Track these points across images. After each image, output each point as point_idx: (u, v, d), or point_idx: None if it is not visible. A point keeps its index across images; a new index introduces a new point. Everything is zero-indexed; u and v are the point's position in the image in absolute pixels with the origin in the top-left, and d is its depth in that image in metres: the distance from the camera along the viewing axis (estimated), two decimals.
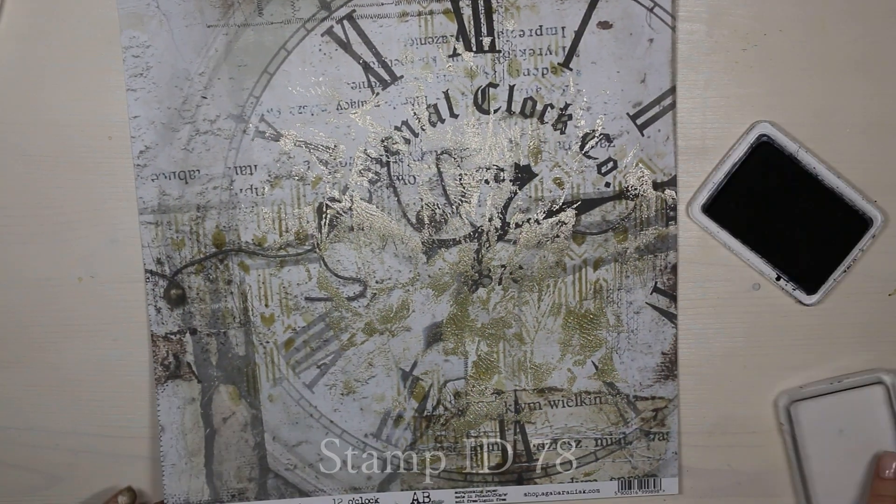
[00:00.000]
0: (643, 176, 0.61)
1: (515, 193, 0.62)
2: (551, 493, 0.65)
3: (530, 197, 0.62)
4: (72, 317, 0.64)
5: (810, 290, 0.62)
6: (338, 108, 0.61)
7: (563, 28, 0.60)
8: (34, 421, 0.65)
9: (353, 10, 0.60)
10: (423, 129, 0.61)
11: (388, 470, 0.65)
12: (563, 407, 0.64)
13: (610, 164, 0.61)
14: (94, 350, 0.64)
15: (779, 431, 0.63)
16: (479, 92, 0.61)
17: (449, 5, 0.59)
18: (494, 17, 0.60)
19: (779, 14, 0.60)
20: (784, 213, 0.61)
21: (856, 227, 0.61)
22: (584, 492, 0.65)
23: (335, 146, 0.61)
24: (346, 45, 0.60)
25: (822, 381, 0.63)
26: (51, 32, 0.61)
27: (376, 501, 0.65)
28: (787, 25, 0.60)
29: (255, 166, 0.61)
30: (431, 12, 0.60)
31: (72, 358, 0.64)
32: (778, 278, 0.62)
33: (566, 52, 0.60)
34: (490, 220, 0.62)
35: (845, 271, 0.61)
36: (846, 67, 0.60)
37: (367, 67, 0.60)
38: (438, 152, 0.61)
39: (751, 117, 0.61)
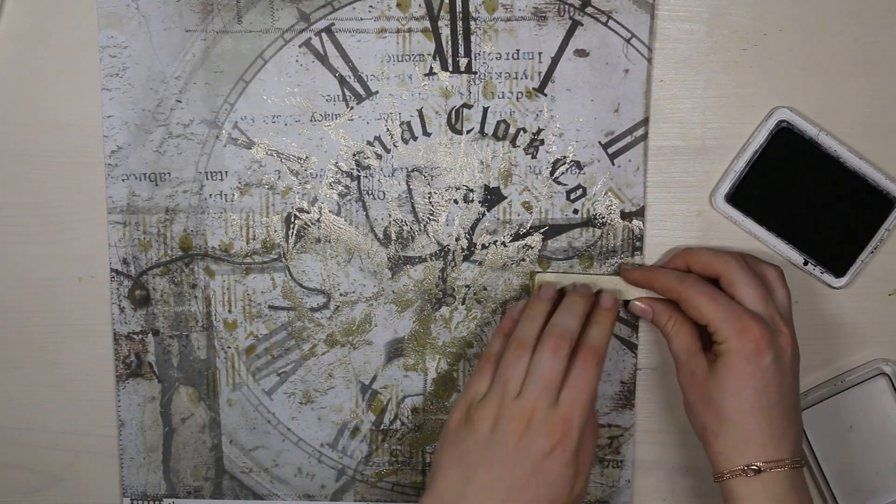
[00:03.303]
0: (611, 205, 0.61)
1: (483, 215, 0.62)
2: None
3: (498, 219, 0.62)
4: (72, 317, 0.64)
5: (838, 273, 0.62)
6: (311, 120, 0.61)
7: (539, 53, 0.60)
8: (34, 421, 0.66)
9: (332, 24, 0.60)
10: (396, 146, 0.61)
11: (343, 480, 0.65)
12: None
13: (579, 192, 0.61)
14: (94, 350, 0.64)
15: None
16: (453, 112, 0.61)
17: (427, 24, 0.60)
18: (472, 38, 0.60)
19: (779, 14, 0.60)
20: (807, 197, 0.61)
21: (881, 207, 0.60)
22: None
23: (307, 157, 0.61)
24: (323, 58, 0.60)
25: (825, 383, 0.63)
26: (50, 32, 0.61)
27: None
28: (787, 25, 0.60)
29: (226, 173, 0.61)
30: (410, 30, 0.60)
31: (72, 358, 0.65)
32: (805, 263, 0.61)
33: (542, 78, 0.60)
34: (457, 239, 0.62)
35: (872, 252, 0.61)
36: (846, 67, 0.60)
37: (342, 81, 0.60)
38: (409, 169, 0.61)
39: (751, 117, 0.61)
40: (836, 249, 0.61)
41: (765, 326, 0.54)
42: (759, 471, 0.53)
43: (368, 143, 0.61)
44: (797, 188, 0.60)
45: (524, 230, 0.62)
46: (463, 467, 0.54)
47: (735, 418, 0.54)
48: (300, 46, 0.60)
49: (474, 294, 0.63)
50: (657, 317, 0.59)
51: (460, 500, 0.53)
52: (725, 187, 0.61)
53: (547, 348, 0.54)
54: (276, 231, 0.62)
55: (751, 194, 0.61)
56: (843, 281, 0.62)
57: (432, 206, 0.62)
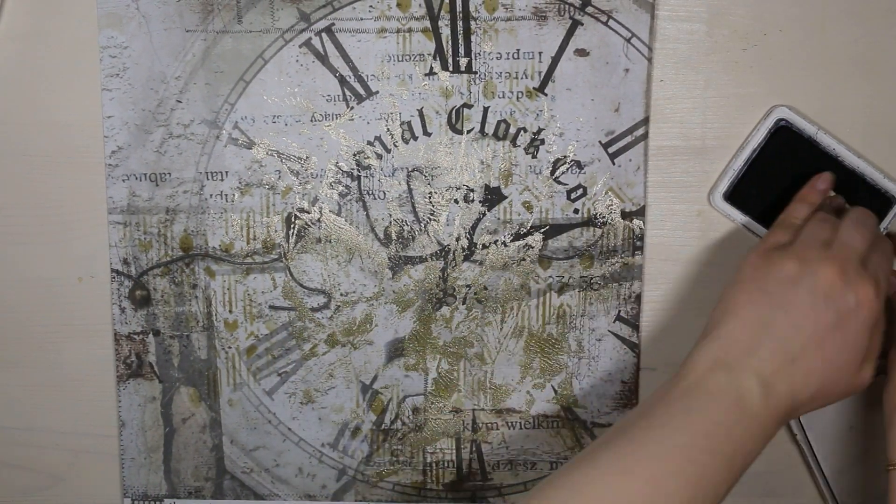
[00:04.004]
0: (612, 204, 0.61)
1: (484, 214, 0.62)
2: None
3: (499, 219, 0.62)
4: (72, 317, 0.64)
5: None
6: (312, 120, 0.61)
7: (540, 53, 0.60)
8: (34, 421, 0.66)
9: (333, 24, 0.60)
10: (396, 146, 0.61)
11: (344, 480, 0.65)
12: (521, 429, 0.64)
13: (580, 191, 0.61)
14: (94, 350, 0.64)
15: (792, 441, 0.63)
16: (454, 112, 0.61)
17: (428, 24, 0.60)
18: (472, 38, 0.60)
19: (779, 14, 0.60)
20: None
21: (879, 205, 0.60)
22: None
23: (307, 157, 0.61)
24: (323, 58, 0.60)
25: None
26: (50, 32, 0.61)
27: None
28: (787, 25, 0.60)
29: (227, 173, 0.61)
30: (410, 30, 0.60)
31: (72, 358, 0.65)
32: None
33: (542, 77, 0.60)
34: (457, 239, 0.62)
35: None
36: (846, 68, 0.60)
37: (343, 81, 0.60)
38: (409, 169, 0.61)
39: (751, 117, 0.61)
40: None
41: None
42: None
43: (369, 142, 0.61)
44: (796, 186, 0.60)
45: (525, 230, 0.62)
46: (761, 308, 0.51)
47: None
48: (300, 46, 0.60)
49: (475, 294, 0.63)
50: None
51: (753, 349, 0.50)
52: (724, 186, 0.61)
53: (856, 219, 0.54)
54: (276, 231, 0.62)
55: (749, 192, 0.61)
56: None
57: (433, 206, 0.62)
